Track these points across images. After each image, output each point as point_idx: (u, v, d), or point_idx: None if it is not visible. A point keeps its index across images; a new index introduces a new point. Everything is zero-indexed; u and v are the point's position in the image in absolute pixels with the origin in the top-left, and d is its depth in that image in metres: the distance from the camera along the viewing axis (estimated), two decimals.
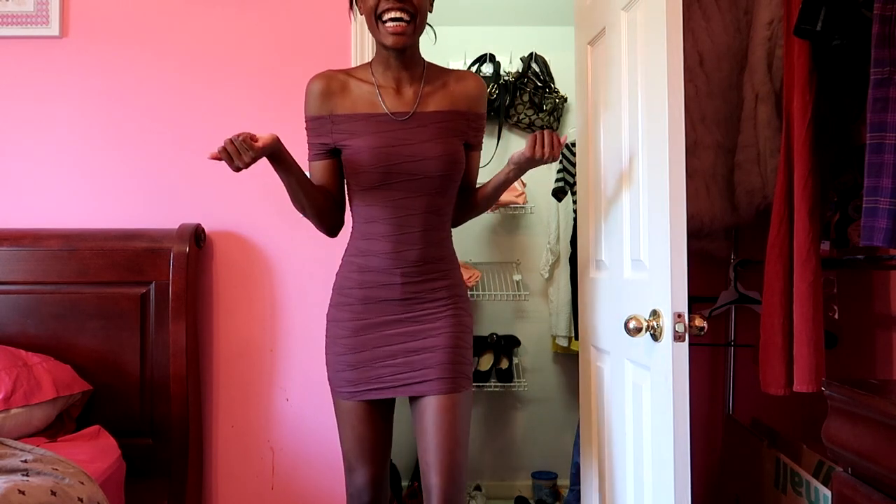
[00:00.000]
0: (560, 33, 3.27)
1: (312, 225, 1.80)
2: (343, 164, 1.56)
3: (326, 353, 1.60)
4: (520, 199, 3.16)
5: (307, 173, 1.58)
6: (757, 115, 1.95)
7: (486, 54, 3.15)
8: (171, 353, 1.88)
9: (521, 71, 3.21)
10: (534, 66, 3.22)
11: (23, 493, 1.20)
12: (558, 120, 3.27)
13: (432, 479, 1.47)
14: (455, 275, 1.61)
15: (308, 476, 1.98)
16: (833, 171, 1.81)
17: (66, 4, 2.02)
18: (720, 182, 2.04)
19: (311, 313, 1.99)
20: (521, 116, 3.22)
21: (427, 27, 1.54)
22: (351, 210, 1.61)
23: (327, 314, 1.61)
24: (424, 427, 1.50)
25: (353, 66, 1.79)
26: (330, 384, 1.59)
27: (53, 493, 1.24)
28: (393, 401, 1.60)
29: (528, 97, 3.20)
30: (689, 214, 1.56)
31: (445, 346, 1.52)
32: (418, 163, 1.49)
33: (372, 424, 1.56)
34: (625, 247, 1.65)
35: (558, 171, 2.86)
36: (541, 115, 3.22)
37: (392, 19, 1.42)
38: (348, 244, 1.62)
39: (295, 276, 2.00)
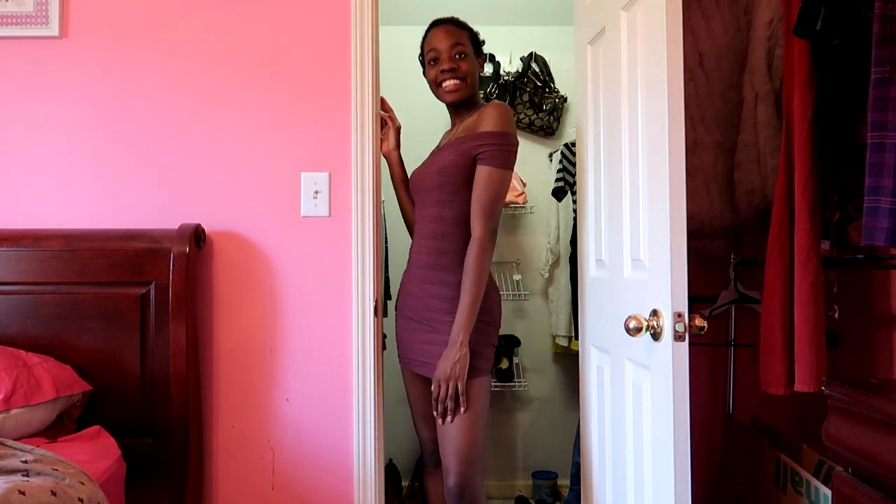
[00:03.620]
0: (560, 33, 3.27)
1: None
2: None
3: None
4: (520, 199, 3.16)
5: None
6: (757, 114, 1.94)
7: (485, 54, 3.15)
8: (171, 353, 1.87)
9: (520, 71, 3.21)
10: (533, 65, 3.22)
11: (23, 493, 1.20)
12: (558, 120, 3.27)
13: (446, 462, 1.76)
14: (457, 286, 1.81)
15: (308, 476, 1.98)
16: (833, 170, 1.81)
17: (65, 4, 2.02)
18: (720, 181, 2.04)
19: (311, 313, 1.99)
20: (521, 116, 3.22)
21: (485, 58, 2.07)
22: None
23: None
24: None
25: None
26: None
27: (54, 494, 1.24)
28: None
29: (527, 97, 3.20)
30: (689, 214, 1.56)
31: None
32: (425, 179, 1.89)
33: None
34: (625, 247, 1.65)
35: (558, 171, 2.86)
36: (540, 114, 3.22)
37: (446, 81, 1.88)
38: None
39: (295, 276, 2.00)
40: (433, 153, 1.98)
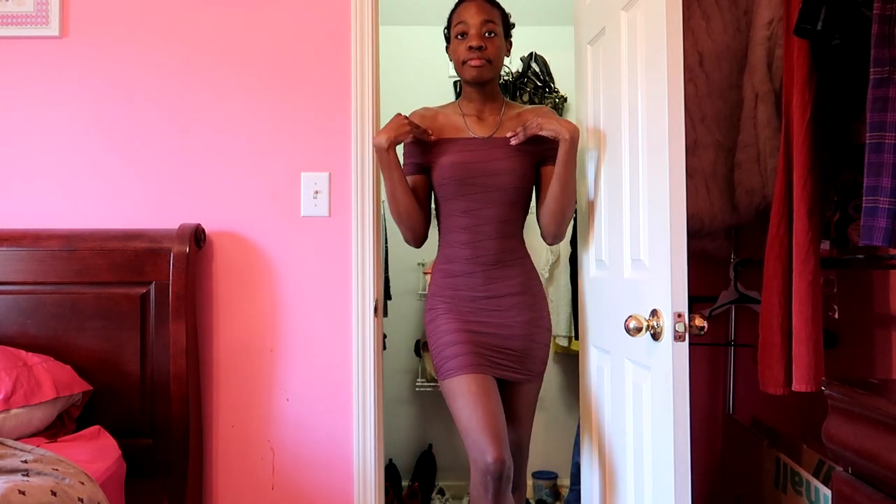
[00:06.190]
0: (560, 33, 3.27)
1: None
2: (432, 179, 1.86)
3: (431, 347, 1.83)
4: None
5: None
6: (757, 114, 1.94)
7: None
8: (171, 353, 1.87)
9: (521, 71, 3.21)
10: (534, 65, 3.22)
11: (23, 493, 1.20)
12: None
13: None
14: (525, 271, 1.84)
15: (308, 476, 1.98)
16: (833, 170, 1.81)
17: (65, 4, 2.02)
18: (720, 181, 2.04)
19: (311, 313, 1.99)
20: None
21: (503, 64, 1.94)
22: (439, 224, 1.89)
23: (424, 318, 1.89)
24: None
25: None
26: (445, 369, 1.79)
27: (54, 494, 1.24)
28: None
29: (528, 97, 3.20)
30: (689, 214, 1.56)
31: (518, 349, 1.80)
32: (491, 177, 1.79)
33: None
34: (625, 247, 1.65)
35: None
36: None
37: (472, 58, 1.78)
38: (437, 254, 1.90)
39: (295, 276, 2.00)
40: (472, 143, 1.82)
